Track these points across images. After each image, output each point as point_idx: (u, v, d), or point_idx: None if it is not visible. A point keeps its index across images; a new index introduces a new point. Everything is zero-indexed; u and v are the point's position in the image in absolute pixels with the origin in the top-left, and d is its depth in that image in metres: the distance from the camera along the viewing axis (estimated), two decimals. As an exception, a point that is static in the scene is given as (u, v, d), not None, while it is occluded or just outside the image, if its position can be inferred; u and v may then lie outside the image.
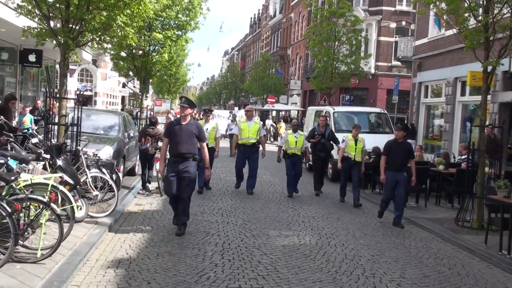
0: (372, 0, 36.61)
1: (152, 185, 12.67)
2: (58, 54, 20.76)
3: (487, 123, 19.10)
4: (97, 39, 10.05)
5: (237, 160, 13.17)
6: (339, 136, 15.91)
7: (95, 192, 9.25)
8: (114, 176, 10.04)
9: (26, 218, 6.20)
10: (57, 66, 24.27)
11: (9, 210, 5.76)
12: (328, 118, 17.14)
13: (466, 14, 10.44)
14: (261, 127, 13.05)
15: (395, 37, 36.26)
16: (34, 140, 9.30)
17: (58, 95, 10.00)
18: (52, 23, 9.79)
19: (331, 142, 13.77)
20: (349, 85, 28.21)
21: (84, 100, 10.30)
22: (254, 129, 12.76)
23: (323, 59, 25.94)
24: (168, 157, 8.87)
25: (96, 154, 10.22)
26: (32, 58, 19.10)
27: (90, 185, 9.21)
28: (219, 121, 28.76)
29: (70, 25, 9.47)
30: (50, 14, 9.41)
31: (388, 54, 36.67)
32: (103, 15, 9.53)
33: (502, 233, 8.27)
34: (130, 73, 22.89)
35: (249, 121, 12.93)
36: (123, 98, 49.57)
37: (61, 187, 6.86)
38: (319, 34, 26.13)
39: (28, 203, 6.27)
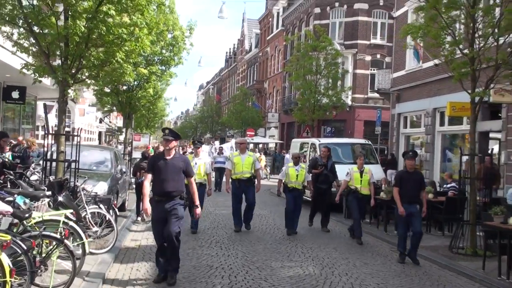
0: (347, 34, 37.53)
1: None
2: (40, 90, 20.83)
3: (466, 152, 19.67)
4: (95, 75, 10.15)
5: (234, 196, 12.27)
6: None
7: (95, 228, 9.21)
8: (111, 212, 10.04)
9: (39, 256, 6.17)
10: (37, 102, 24.32)
11: (25, 247, 5.75)
12: (315, 150, 17.46)
13: (451, 48, 10.87)
14: (255, 159, 12.33)
15: (371, 69, 37.17)
16: (34, 177, 9.27)
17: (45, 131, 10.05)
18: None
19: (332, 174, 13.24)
20: (331, 117, 28.68)
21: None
22: (248, 162, 12.04)
23: (305, 92, 26.41)
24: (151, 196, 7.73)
25: (91, 190, 10.23)
26: (15, 94, 19.11)
27: (90, 221, 9.18)
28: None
29: (69, 62, 9.56)
30: (49, 52, 9.48)
31: (364, 86, 37.44)
32: (102, 52, 9.67)
33: (500, 258, 8.49)
34: (114, 108, 22.92)
35: (242, 154, 12.19)
36: (100, 133, 49.27)
37: (71, 223, 6.86)
38: (301, 67, 26.67)
39: (40, 240, 6.25)
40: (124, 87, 20.76)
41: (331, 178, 13.25)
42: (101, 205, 9.64)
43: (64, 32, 8.97)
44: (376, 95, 36.43)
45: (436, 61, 20.86)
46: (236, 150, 13.66)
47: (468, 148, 11.42)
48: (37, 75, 9.79)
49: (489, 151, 13.04)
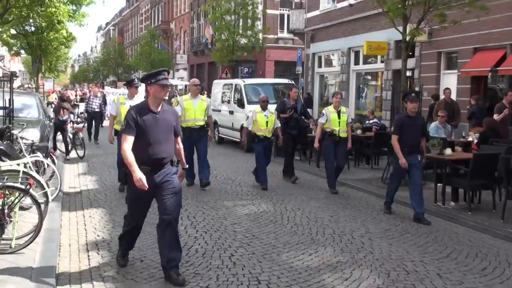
0: (256, -27, 37.13)
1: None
2: None
3: (378, 90, 20.68)
4: (25, 16, 9.43)
5: (184, 147, 10.93)
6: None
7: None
8: (49, 160, 9.67)
9: (5, 207, 5.88)
10: None
11: (-9, 199, 5.45)
12: (240, 91, 17.51)
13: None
14: (209, 105, 10.67)
15: (280, 9, 37.30)
16: (-34, 127, 8.63)
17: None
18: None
19: (304, 117, 12.00)
20: (250, 57, 28.74)
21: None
22: (201, 108, 10.30)
23: (224, 33, 26.16)
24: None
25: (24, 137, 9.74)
26: None
27: (32, 170, 8.78)
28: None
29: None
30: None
31: (274, 27, 37.51)
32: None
33: (436, 186, 9.22)
34: (22, 51, 21.48)
35: (194, 98, 10.33)
36: (-5, 78, 46.17)
37: (32, 173, 6.55)
38: (219, 7, 26.27)
39: (3, 192, 5.94)
40: (32, 29, 19.46)
41: (301, 122, 11.89)
42: (39, 153, 9.25)
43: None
44: (286, 35, 36.87)
45: (352, 1, 21.46)
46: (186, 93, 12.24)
47: (402, 86, 11.94)
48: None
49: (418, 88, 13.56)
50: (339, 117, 10.45)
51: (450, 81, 16.93)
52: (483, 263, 6.26)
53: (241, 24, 27.21)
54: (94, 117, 19.00)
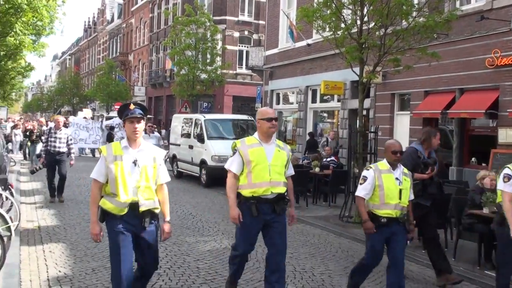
0: (216, 10, 37.93)
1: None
2: None
3: (334, 128, 21.23)
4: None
5: (240, 233, 5.76)
6: (214, 143, 16.56)
7: (-4, 210, 8.57)
8: (8, 192, 9.55)
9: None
10: None
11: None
12: (200, 126, 17.65)
13: (342, 33, 11.68)
14: (290, 155, 5.86)
15: (239, 45, 38.09)
16: None
17: None
18: None
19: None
20: (209, 92, 29.07)
21: None
22: (280, 161, 5.58)
23: (184, 68, 26.44)
24: None
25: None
26: None
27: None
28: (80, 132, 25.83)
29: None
30: None
31: (233, 62, 38.18)
32: (-3, 23, 9.02)
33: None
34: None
35: (266, 143, 5.55)
36: None
37: (-4, 207, 6.39)
38: (180, 42, 26.62)
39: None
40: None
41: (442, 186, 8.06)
42: (-3, 186, 9.01)
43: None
44: (244, 71, 37.59)
45: (309, 41, 22.14)
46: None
47: (358, 126, 12.37)
48: None
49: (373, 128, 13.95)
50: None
51: (403, 121, 17.62)
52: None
53: (200, 59, 27.58)
54: (58, 161, 12.54)
